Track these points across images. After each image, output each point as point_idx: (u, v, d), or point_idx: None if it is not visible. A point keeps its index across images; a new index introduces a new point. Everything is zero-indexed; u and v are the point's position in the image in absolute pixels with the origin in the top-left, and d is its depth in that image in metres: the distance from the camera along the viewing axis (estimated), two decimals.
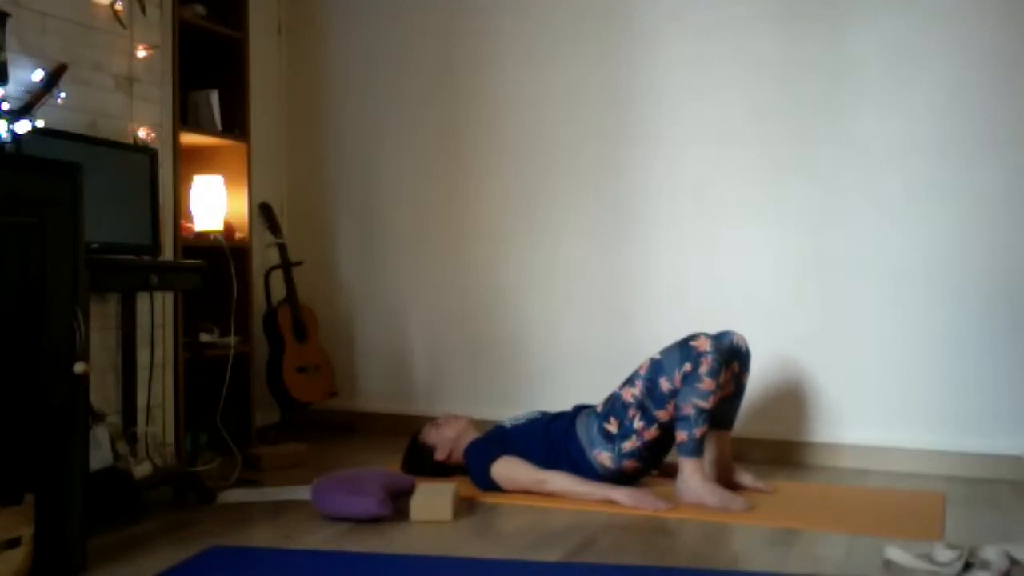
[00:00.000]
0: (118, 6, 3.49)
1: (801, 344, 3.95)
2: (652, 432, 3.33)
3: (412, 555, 2.73)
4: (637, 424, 3.33)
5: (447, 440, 3.61)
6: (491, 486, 3.39)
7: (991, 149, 3.69)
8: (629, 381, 3.40)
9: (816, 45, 3.92)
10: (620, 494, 3.23)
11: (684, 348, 3.27)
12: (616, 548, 2.78)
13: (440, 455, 3.60)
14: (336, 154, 4.84)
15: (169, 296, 3.69)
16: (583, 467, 3.38)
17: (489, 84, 4.50)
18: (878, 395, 3.85)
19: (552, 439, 3.45)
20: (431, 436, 3.65)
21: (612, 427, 3.37)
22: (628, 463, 3.36)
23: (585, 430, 3.43)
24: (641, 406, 3.32)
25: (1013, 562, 2.47)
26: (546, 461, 3.39)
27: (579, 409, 3.55)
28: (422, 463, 3.61)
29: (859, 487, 3.55)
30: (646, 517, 3.10)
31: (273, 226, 4.48)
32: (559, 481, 3.33)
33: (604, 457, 3.37)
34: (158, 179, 3.51)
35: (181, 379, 3.75)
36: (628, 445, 3.34)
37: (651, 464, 3.43)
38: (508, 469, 3.38)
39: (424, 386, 4.66)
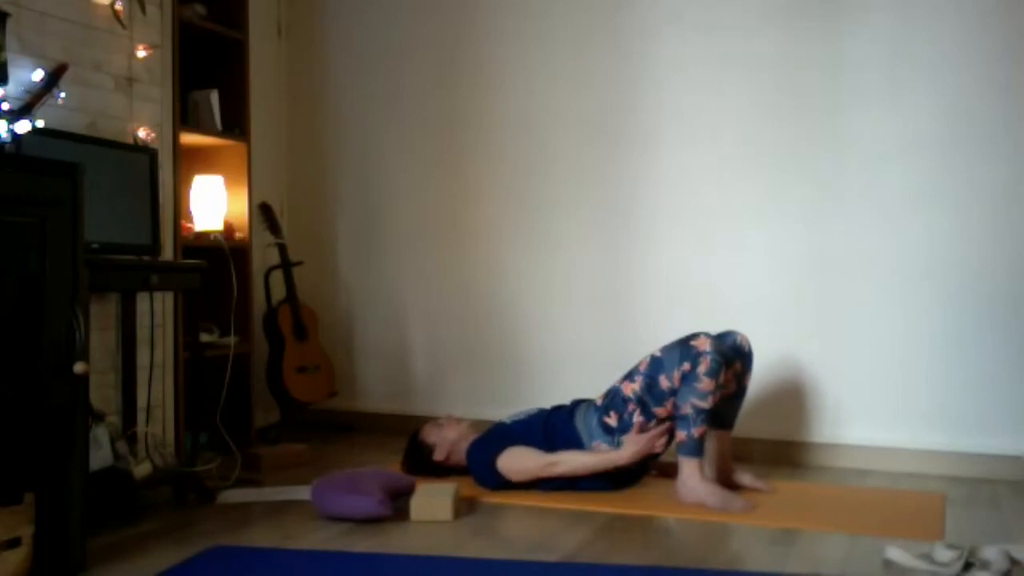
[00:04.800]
0: (118, 6, 3.49)
1: (801, 344, 3.95)
2: (651, 427, 3.33)
3: (412, 555, 2.73)
4: (637, 419, 3.34)
5: (447, 441, 3.61)
6: (497, 481, 3.39)
7: (990, 149, 3.69)
8: (629, 376, 3.41)
9: (816, 45, 3.92)
10: (618, 454, 3.31)
11: (684, 347, 3.28)
12: (616, 548, 2.78)
13: (439, 455, 3.60)
14: (336, 154, 4.84)
15: (169, 296, 3.69)
16: None
17: (489, 84, 4.50)
18: (878, 395, 3.85)
19: (551, 431, 3.46)
20: (431, 435, 3.65)
21: (612, 421, 3.38)
22: None
23: (584, 422, 3.44)
24: (641, 402, 3.33)
25: (1013, 562, 2.48)
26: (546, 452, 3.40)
27: (577, 403, 3.56)
28: (420, 461, 3.62)
29: (859, 487, 3.55)
30: (646, 517, 3.10)
31: (273, 226, 4.47)
32: (567, 460, 3.35)
33: (603, 449, 3.38)
34: (158, 179, 3.52)
35: (181, 379, 3.75)
36: (627, 439, 3.35)
37: (649, 456, 3.43)
38: (514, 459, 3.38)
39: (424, 386, 4.66)
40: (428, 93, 4.63)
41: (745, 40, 4.03)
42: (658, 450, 3.38)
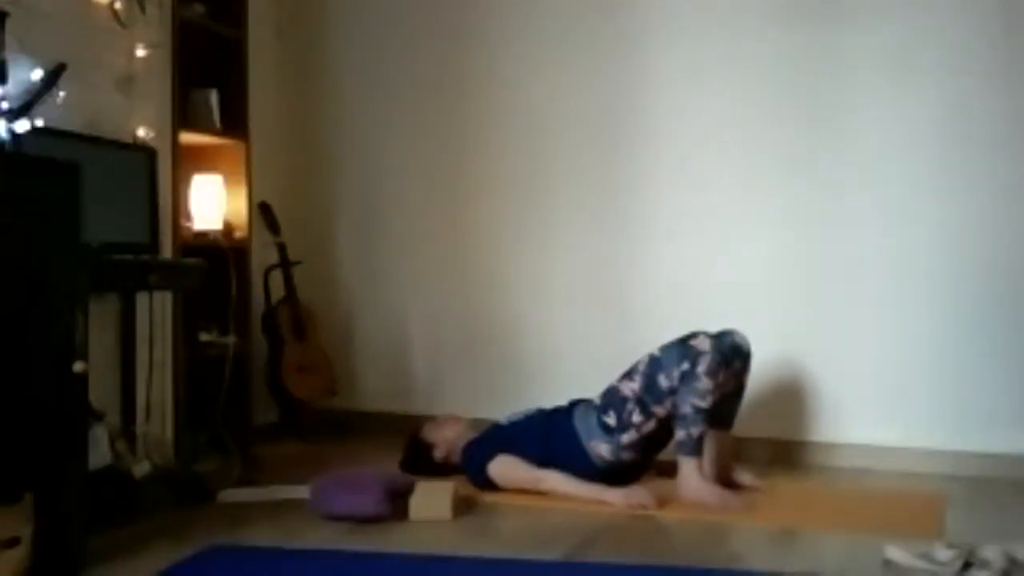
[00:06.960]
0: (118, 5, 3.49)
1: (801, 343, 3.94)
2: (650, 426, 3.33)
3: (412, 555, 2.73)
4: (636, 418, 3.33)
5: (446, 440, 3.62)
6: (488, 484, 3.40)
7: (990, 149, 3.69)
8: (628, 375, 3.40)
9: (817, 46, 3.91)
10: (611, 495, 3.23)
11: (683, 346, 3.27)
12: (616, 548, 2.78)
13: (438, 453, 3.61)
14: (336, 154, 4.83)
15: (168, 295, 3.68)
16: (580, 459, 3.38)
17: (489, 84, 4.50)
18: (878, 394, 3.84)
19: (549, 433, 3.46)
20: (431, 434, 3.66)
21: (611, 420, 3.37)
22: (627, 455, 3.37)
23: (583, 422, 3.43)
24: (640, 401, 3.33)
25: (1013, 562, 2.47)
26: (543, 455, 3.39)
27: (576, 403, 3.56)
28: (420, 460, 3.62)
29: (859, 487, 3.55)
30: (646, 517, 3.10)
31: (272, 225, 4.47)
32: (553, 480, 3.33)
33: (602, 449, 3.37)
34: (157, 178, 3.51)
35: (180, 378, 3.75)
36: (627, 438, 3.35)
37: (649, 455, 3.43)
38: (504, 468, 3.38)
39: (424, 386, 4.66)
40: (428, 93, 4.62)
41: (745, 40, 4.02)
42: (649, 509, 3.18)
